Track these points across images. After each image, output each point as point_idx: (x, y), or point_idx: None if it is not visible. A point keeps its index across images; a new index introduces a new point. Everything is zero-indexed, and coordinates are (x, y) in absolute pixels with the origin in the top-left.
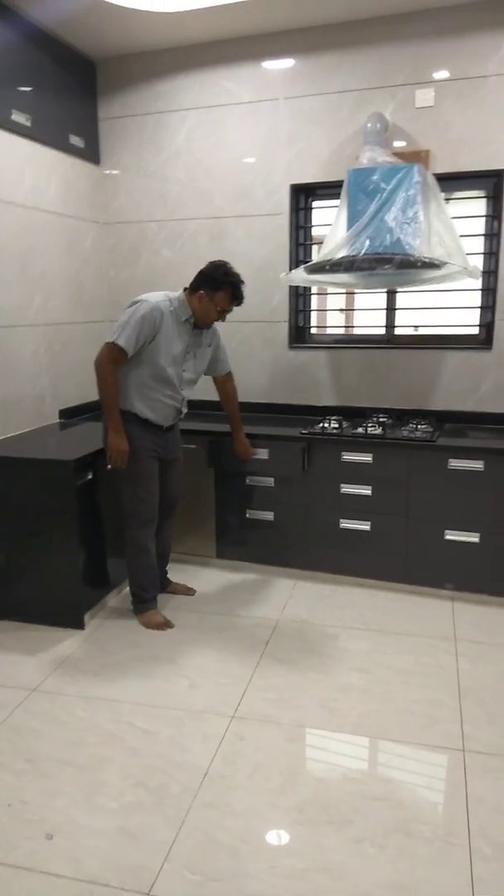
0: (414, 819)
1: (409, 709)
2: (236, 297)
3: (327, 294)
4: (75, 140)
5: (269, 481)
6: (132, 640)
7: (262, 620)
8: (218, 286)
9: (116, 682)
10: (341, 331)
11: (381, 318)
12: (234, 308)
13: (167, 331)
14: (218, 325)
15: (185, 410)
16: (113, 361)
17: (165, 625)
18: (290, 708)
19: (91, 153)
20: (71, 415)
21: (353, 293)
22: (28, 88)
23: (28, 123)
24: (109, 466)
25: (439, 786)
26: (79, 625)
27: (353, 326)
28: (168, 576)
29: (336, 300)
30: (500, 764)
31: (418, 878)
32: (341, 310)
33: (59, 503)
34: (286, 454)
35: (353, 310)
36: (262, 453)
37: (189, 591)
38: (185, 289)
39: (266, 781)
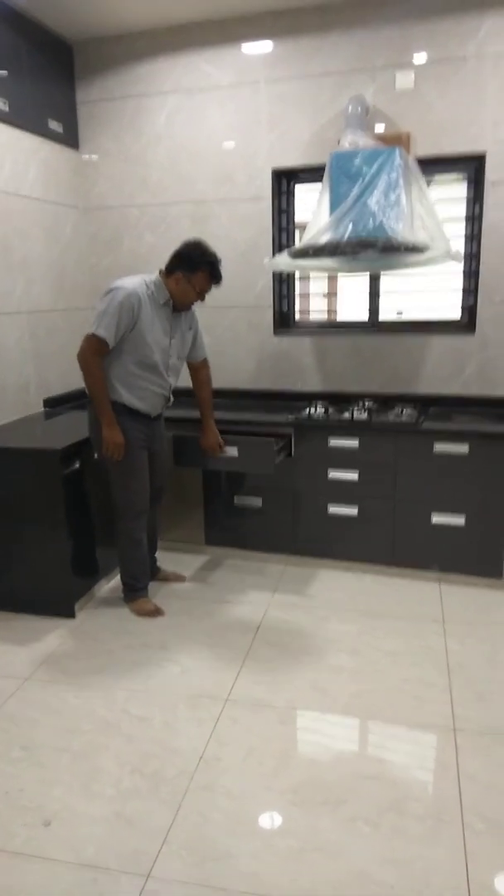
0: (407, 797)
1: (400, 689)
2: (214, 277)
3: (310, 279)
4: (54, 125)
5: None
6: (123, 628)
7: (252, 605)
8: (195, 267)
9: (109, 669)
10: (326, 316)
11: (364, 303)
12: (214, 288)
13: (147, 316)
14: (203, 310)
15: (171, 399)
16: (96, 353)
17: (156, 612)
18: (283, 690)
19: (70, 138)
20: (55, 403)
21: (336, 278)
22: (3, 72)
23: (6, 108)
24: (96, 456)
25: (431, 764)
26: (69, 614)
27: (337, 312)
28: (157, 564)
29: (320, 285)
30: (491, 741)
31: (412, 854)
32: (325, 295)
33: (47, 493)
34: (257, 451)
35: (337, 295)
36: (232, 451)
37: (179, 578)
38: (161, 271)
39: (260, 764)
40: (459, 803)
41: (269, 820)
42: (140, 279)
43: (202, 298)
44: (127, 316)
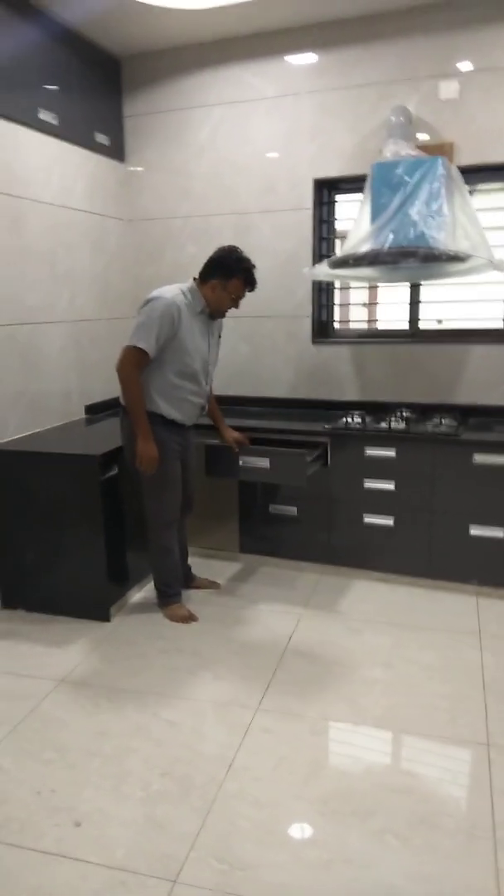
0: (438, 812)
1: (433, 703)
2: (249, 283)
3: (350, 288)
4: (101, 138)
5: None
6: (157, 633)
7: (285, 615)
8: (231, 273)
9: (142, 673)
10: (365, 325)
11: (404, 312)
12: (248, 294)
13: (186, 325)
14: (242, 319)
15: (206, 406)
16: (136, 365)
17: (190, 618)
18: (314, 701)
19: (116, 151)
20: (97, 410)
21: (377, 287)
22: (54, 87)
23: (55, 122)
24: (130, 466)
25: (463, 780)
26: (105, 617)
27: (376, 321)
28: (192, 571)
29: (359, 294)
30: None
31: (442, 870)
32: (364, 304)
33: (86, 498)
34: (289, 463)
35: (377, 304)
36: (263, 462)
37: (214, 585)
38: (195, 278)
39: (290, 773)
40: (492, 819)
41: (298, 830)
42: (177, 288)
43: (237, 305)
44: (167, 326)
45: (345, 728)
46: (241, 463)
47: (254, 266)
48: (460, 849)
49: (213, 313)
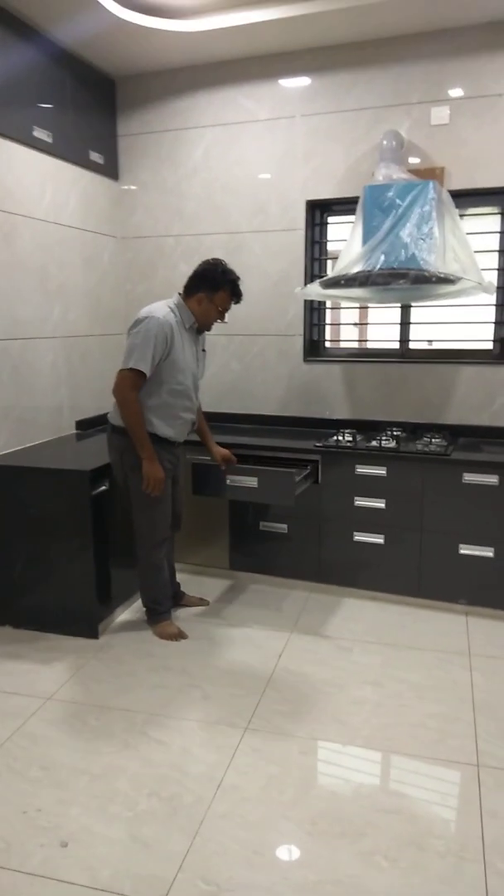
0: (427, 833)
1: (423, 723)
2: (236, 295)
3: (340, 308)
4: (95, 156)
5: None
6: (146, 651)
7: (275, 633)
8: (217, 286)
9: (130, 691)
10: (356, 345)
11: (395, 332)
12: (238, 310)
13: (178, 342)
14: (234, 337)
15: (196, 426)
16: (134, 388)
17: (179, 635)
18: (304, 721)
19: (110, 169)
20: (87, 426)
21: (367, 307)
22: (49, 106)
23: (49, 140)
24: (118, 483)
25: (453, 801)
26: (93, 634)
27: (367, 340)
28: (181, 588)
29: (350, 314)
30: None
31: (431, 892)
32: (355, 324)
33: (75, 513)
34: (278, 483)
35: (368, 324)
36: (252, 481)
37: (202, 602)
38: (180, 293)
39: (279, 794)
40: (482, 841)
41: (287, 851)
42: (164, 306)
43: (223, 318)
44: (161, 346)
45: (334, 748)
46: (228, 482)
47: (238, 278)
48: (450, 871)
49: (201, 327)
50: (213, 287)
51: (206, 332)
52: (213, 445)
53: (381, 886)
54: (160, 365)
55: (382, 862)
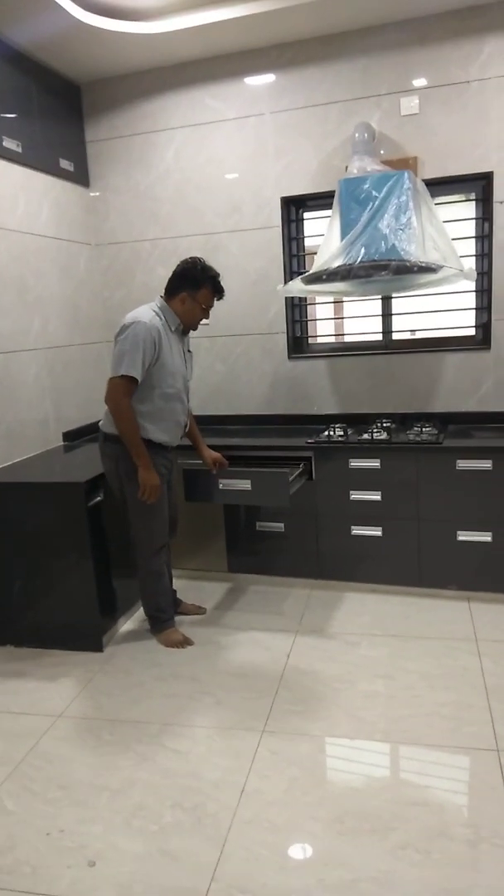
0: (455, 822)
1: (438, 712)
2: (218, 291)
3: (317, 304)
4: (65, 164)
5: None
6: (152, 660)
7: (280, 633)
8: (198, 284)
9: (141, 702)
10: (332, 339)
11: (377, 324)
12: (220, 308)
13: (166, 345)
14: (216, 338)
15: (187, 424)
16: (126, 395)
17: (185, 642)
18: (319, 719)
19: (81, 176)
20: (74, 437)
21: (343, 301)
22: (17, 115)
23: (19, 150)
24: (114, 492)
25: (476, 788)
26: (97, 647)
27: (350, 334)
28: (178, 595)
29: (328, 309)
30: None
31: (467, 881)
32: (339, 318)
33: (72, 526)
34: (271, 483)
35: (351, 317)
36: (244, 484)
37: (199, 611)
38: (161, 296)
39: (304, 794)
40: None
41: (319, 852)
42: (149, 310)
43: (207, 315)
44: (150, 350)
45: (352, 744)
46: (221, 486)
47: (218, 274)
48: (483, 858)
49: (187, 327)
50: (194, 285)
51: (192, 333)
52: (204, 449)
53: (417, 879)
54: (150, 369)
55: (414, 855)
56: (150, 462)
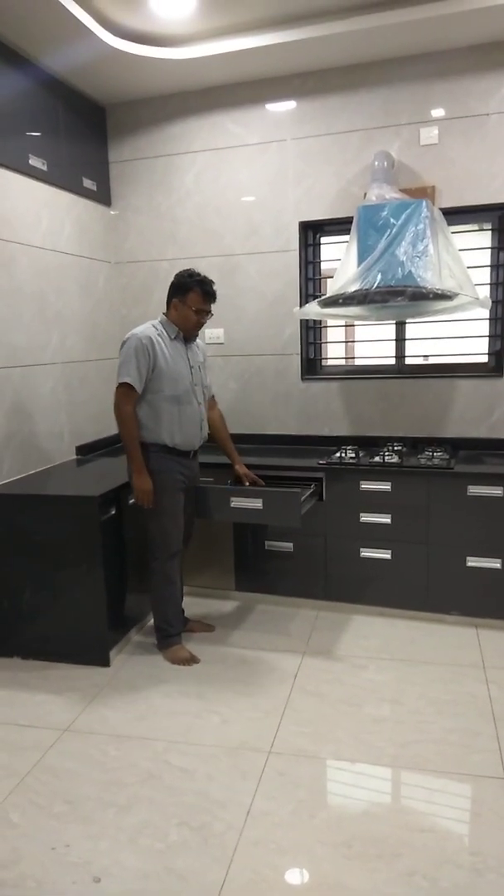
0: (462, 850)
1: (445, 739)
2: (207, 294)
3: (329, 327)
4: (88, 183)
5: None
6: (159, 677)
7: (287, 653)
8: (186, 288)
9: (148, 719)
10: (353, 362)
11: (391, 348)
12: (212, 308)
13: (162, 352)
14: (231, 358)
15: (206, 431)
16: (128, 401)
17: (192, 660)
18: (326, 742)
19: (103, 195)
20: (87, 451)
21: (354, 325)
22: (43, 134)
23: (44, 168)
24: (132, 501)
25: (483, 816)
26: (104, 662)
27: (360, 357)
28: (184, 614)
29: (339, 332)
30: None
31: None
32: (352, 341)
33: (85, 540)
34: (283, 503)
35: (364, 341)
36: (256, 503)
37: (208, 628)
38: (164, 313)
39: (311, 817)
40: None
41: (326, 876)
42: (147, 324)
43: (203, 319)
44: (143, 357)
45: (359, 768)
46: (232, 504)
47: (210, 280)
48: (491, 888)
49: (185, 333)
50: (182, 291)
51: (206, 345)
52: (238, 463)
53: None
54: (152, 376)
55: (422, 882)
56: (142, 467)
